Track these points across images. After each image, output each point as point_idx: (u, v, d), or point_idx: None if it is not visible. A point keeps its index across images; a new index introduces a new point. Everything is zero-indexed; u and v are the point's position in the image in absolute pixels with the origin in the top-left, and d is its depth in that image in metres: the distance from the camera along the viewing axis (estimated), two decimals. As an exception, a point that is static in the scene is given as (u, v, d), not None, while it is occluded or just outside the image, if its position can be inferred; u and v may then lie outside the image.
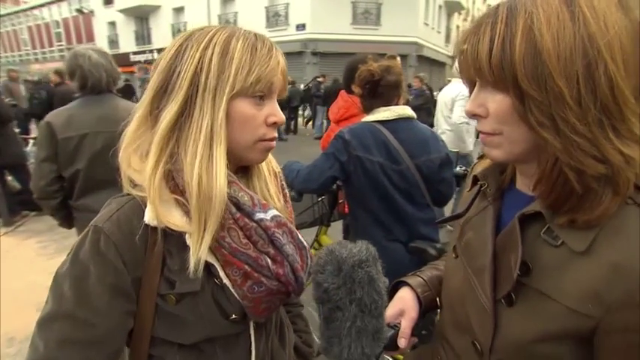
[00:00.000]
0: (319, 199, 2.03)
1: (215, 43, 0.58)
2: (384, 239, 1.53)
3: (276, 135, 0.65)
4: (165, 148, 0.58)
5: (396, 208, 1.52)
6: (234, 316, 0.62)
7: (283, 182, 0.77)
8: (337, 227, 2.38)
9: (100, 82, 1.73)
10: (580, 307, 0.44)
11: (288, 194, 0.76)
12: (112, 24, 23.95)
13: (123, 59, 21.28)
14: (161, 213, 0.56)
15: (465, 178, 1.88)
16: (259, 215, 0.62)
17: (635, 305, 0.41)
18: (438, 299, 0.71)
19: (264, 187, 0.70)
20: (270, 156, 0.71)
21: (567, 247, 0.46)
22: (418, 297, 0.71)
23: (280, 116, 0.64)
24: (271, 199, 0.70)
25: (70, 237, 3.30)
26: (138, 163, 0.60)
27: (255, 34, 0.62)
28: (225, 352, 0.65)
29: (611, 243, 0.44)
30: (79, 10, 23.95)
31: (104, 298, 0.56)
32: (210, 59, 0.57)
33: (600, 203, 0.45)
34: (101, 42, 24.47)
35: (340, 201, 2.02)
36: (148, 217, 0.57)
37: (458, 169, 1.84)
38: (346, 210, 2.06)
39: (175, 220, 0.57)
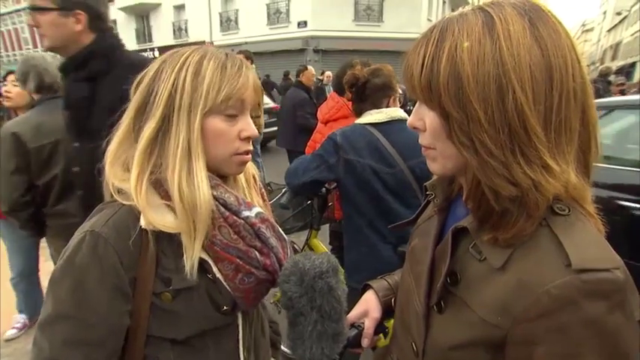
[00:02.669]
0: (308, 202, 2.08)
1: (188, 65, 0.63)
2: (378, 242, 1.56)
3: (250, 148, 0.70)
4: (147, 161, 0.63)
5: (388, 211, 1.53)
6: (225, 307, 0.68)
7: (261, 184, 0.83)
8: (328, 230, 2.43)
9: (57, 81, 1.74)
10: (490, 318, 0.48)
11: (265, 194, 0.83)
12: (113, 22, 23.90)
13: (124, 57, 21.32)
14: (153, 218, 0.61)
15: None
16: (245, 213, 0.69)
17: (530, 320, 0.45)
18: (392, 301, 0.77)
19: (241, 192, 0.76)
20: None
21: (488, 262, 0.50)
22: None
23: (253, 130, 0.69)
24: (252, 201, 0.75)
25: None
26: (126, 175, 0.64)
27: (227, 54, 0.67)
28: (216, 345, 0.71)
29: (522, 261, 0.47)
30: (81, 9, 23.96)
31: (104, 300, 0.60)
32: (184, 79, 0.63)
33: (515, 223, 0.47)
34: (103, 40, 24.46)
35: (329, 204, 2.07)
36: (144, 222, 0.61)
37: None
38: (336, 215, 2.11)
39: (168, 222, 0.62)
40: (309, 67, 4.42)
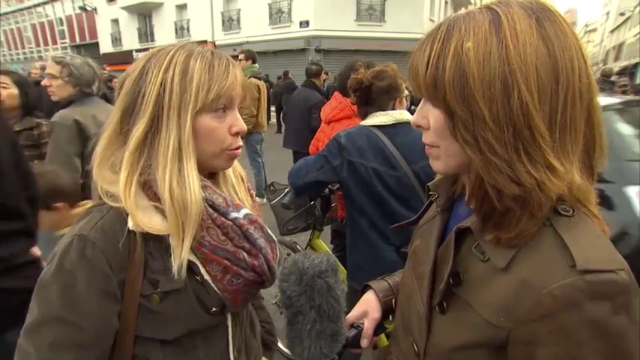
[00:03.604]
0: (311, 202, 2.08)
1: (175, 64, 0.63)
2: (381, 243, 1.55)
3: (240, 144, 0.70)
4: (136, 162, 0.63)
5: (391, 213, 1.52)
6: (214, 309, 0.68)
7: (249, 184, 0.84)
8: (329, 229, 2.42)
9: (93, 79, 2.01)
10: (493, 319, 0.48)
11: (254, 194, 0.84)
12: (115, 21, 24.01)
13: (126, 57, 21.38)
14: (141, 220, 0.60)
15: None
16: (233, 214, 0.68)
17: (532, 320, 0.44)
18: (393, 302, 0.76)
19: (231, 190, 0.76)
20: (235, 162, 0.76)
21: (492, 262, 0.50)
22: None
23: (242, 125, 0.69)
24: (240, 201, 0.76)
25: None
26: (115, 177, 0.64)
27: (212, 52, 0.67)
28: (206, 345, 0.71)
29: (525, 262, 0.47)
30: (83, 8, 24.05)
31: (93, 303, 0.60)
32: (172, 80, 0.62)
33: (518, 223, 0.47)
34: (104, 39, 24.58)
35: (333, 204, 2.06)
36: (132, 224, 0.61)
37: None
38: (339, 214, 2.11)
39: (156, 224, 0.62)
40: None
